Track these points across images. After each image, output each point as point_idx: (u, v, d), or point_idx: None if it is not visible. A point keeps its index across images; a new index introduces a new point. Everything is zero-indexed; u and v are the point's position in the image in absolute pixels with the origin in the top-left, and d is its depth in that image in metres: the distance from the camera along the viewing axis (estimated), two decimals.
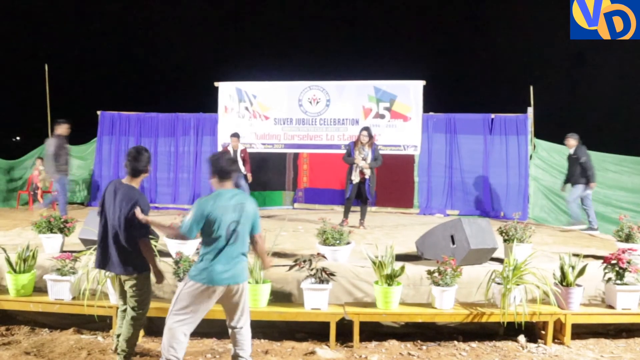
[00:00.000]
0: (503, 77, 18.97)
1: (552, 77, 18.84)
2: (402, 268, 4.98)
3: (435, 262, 5.10)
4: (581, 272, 5.01)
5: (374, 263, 5.00)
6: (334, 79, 10.71)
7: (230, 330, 3.88)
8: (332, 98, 10.53)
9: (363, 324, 4.91)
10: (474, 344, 4.98)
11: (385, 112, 10.37)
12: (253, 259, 4.96)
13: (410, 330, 5.18)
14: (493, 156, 10.31)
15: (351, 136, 9.93)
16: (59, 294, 5.07)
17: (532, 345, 4.92)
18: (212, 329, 4.90)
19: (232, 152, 9.26)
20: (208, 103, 11.37)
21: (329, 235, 5.58)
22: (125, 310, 4.20)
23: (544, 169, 10.09)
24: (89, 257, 4.96)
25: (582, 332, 5.15)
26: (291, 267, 5.00)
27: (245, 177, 9.33)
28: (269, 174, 11.44)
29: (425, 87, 10.29)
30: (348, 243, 5.68)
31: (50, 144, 8.51)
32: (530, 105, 10.15)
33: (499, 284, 4.96)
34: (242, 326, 3.85)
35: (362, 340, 4.91)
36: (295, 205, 11.36)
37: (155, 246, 4.85)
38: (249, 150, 9.82)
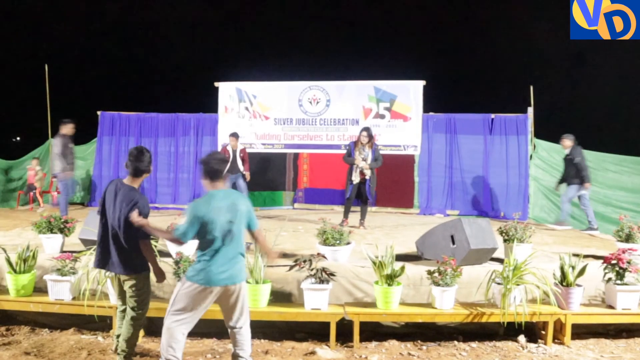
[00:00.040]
0: (503, 77, 18.98)
1: (552, 77, 18.84)
2: (402, 268, 4.98)
3: (436, 262, 5.10)
4: (581, 272, 5.01)
5: (374, 263, 5.00)
6: (334, 79, 10.71)
7: (229, 330, 3.89)
8: (332, 98, 10.53)
9: (363, 324, 4.91)
10: (474, 344, 4.98)
11: (386, 112, 10.36)
12: (253, 259, 4.98)
13: (411, 331, 5.18)
14: (493, 156, 10.30)
15: (351, 136, 9.93)
16: (59, 294, 5.07)
17: (532, 346, 4.92)
18: (212, 329, 4.91)
19: (231, 152, 9.25)
20: (208, 103, 11.38)
21: (329, 235, 5.59)
22: (124, 311, 4.20)
23: (544, 169, 10.09)
24: (89, 258, 4.96)
25: (582, 332, 5.15)
26: (291, 267, 5.00)
27: (244, 176, 9.33)
28: (269, 174, 11.43)
29: (425, 87, 10.29)
30: (348, 243, 5.68)
31: (56, 144, 8.55)
32: (530, 105, 10.15)
33: (499, 284, 4.96)
34: (242, 326, 3.86)
35: (362, 340, 4.91)
36: (296, 205, 11.36)
37: (155, 246, 4.85)
38: (248, 151, 9.82)
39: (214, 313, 4.13)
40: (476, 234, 5.48)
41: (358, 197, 8.01)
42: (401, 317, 5.01)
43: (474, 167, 10.39)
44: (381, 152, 8.26)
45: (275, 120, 10.70)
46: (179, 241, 3.71)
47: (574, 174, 8.47)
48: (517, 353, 4.78)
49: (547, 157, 10.06)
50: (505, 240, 5.80)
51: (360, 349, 4.82)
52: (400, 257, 5.59)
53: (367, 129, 7.93)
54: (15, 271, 5.14)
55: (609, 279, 5.10)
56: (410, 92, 10.32)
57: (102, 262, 4.05)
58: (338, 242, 5.58)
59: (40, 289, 5.27)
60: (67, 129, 8.67)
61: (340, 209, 9.86)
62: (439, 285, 4.88)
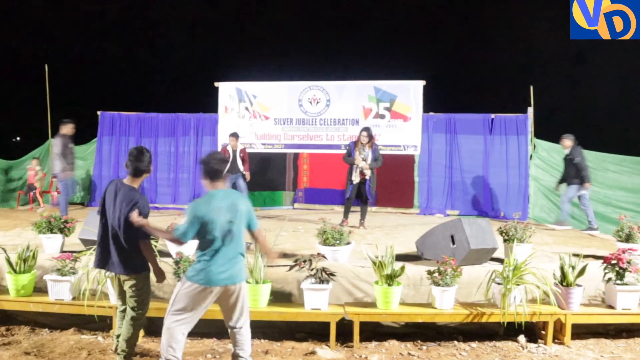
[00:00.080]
0: (503, 77, 18.98)
1: (552, 77, 18.84)
2: (402, 268, 4.99)
3: (436, 262, 5.10)
4: (581, 272, 5.01)
5: (374, 263, 5.00)
6: (334, 79, 10.71)
7: (229, 331, 3.89)
8: (332, 98, 10.53)
9: (363, 324, 4.91)
10: (474, 344, 4.98)
11: (386, 112, 10.36)
12: (253, 259, 4.98)
13: (411, 331, 5.18)
14: (493, 156, 10.30)
15: (351, 136, 9.93)
16: (59, 294, 5.07)
17: (532, 346, 4.92)
18: (212, 329, 4.91)
19: (230, 151, 9.25)
20: (208, 103, 11.38)
21: (329, 235, 5.59)
22: (124, 311, 4.20)
23: (544, 169, 10.09)
24: (89, 258, 4.96)
25: (582, 332, 5.15)
26: (291, 267, 5.00)
27: (244, 176, 9.33)
28: (269, 174, 11.43)
29: (425, 87, 10.29)
30: (348, 243, 5.68)
31: (56, 144, 8.56)
32: (530, 105, 10.15)
33: (499, 284, 4.96)
34: (242, 326, 3.86)
35: (362, 340, 4.91)
36: (296, 205, 11.36)
37: (155, 246, 4.85)
38: (248, 151, 9.82)
39: (214, 313, 4.13)
40: (476, 234, 5.48)
41: (358, 197, 8.01)
42: (401, 317, 5.01)
43: (474, 167, 10.39)
44: (381, 152, 8.26)
45: (275, 120, 10.70)
46: (179, 241, 3.71)
47: (574, 174, 8.47)
48: (517, 353, 4.78)
49: (547, 157, 10.07)
50: (505, 240, 5.80)
51: (360, 349, 4.82)
52: (400, 257, 5.59)
53: (367, 129, 7.93)
54: (15, 271, 5.14)
55: (609, 279, 5.10)
56: (410, 92, 10.32)
57: (102, 262, 4.05)
58: (338, 242, 5.58)
59: (40, 289, 5.27)
60: (67, 129, 8.68)
61: (340, 209, 9.86)
62: (439, 285, 4.88)
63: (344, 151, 8.74)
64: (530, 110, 10.16)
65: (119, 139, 11.34)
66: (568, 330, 4.91)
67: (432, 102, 10.63)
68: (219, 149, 10.27)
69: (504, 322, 4.85)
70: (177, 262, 5.00)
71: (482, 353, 4.79)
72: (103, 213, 4.03)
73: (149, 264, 4.06)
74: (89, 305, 4.88)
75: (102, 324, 5.13)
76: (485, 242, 5.52)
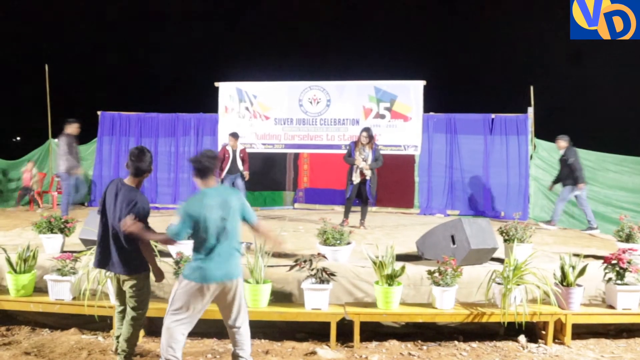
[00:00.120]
0: (503, 77, 19.00)
1: (552, 77, 18.84)
2: (403, 268, 4.98)
3: (436, 262, 5.10)
4: (581, 272, 5.01)
5: (375, 263, 5.00)
6: (334, 79, 10.71)
7: (229, 330, 3.88)
8: (333, 98, 10.53)
9: (363, 324, 4.91)
10: (474, 344, 4.98)
11: (386, 112, 10.36)
12: (254, 258, 4.97)
13: (411, 331, 5.18)
14: (493, 156, 10.31)
15: (351, 136, 9.93)
16: (60, 294, 5.07)
17: (532, 346, 4.92)
18: (212, 329, 4.90)
19: (230, 151, 9.25)
20: (208, 103, 11.37)
21: (329, 235, 5.59)
22: (122, 312, 4.20)
23: (544, 169, 10.09)
24: (90, 258, 4.96)
25: (583, 332, 5.15)
26: (292, 267, 5.00)
27: (243, 176, 9.32)
28: (269, 175, 11.43)
29: (425, 87, 10.29)
30: (348, 243, 5.68)
31: (61, 143, 8.58)
32: (530, 105, 10.15)
33: (499, 284, 4.96)
34: (240, 325, 3.85)
35: (362, 340, 4.91)
36: (296, 205, 11.35)
37: (155, 246, 4.85)
38: (249, 151, 9.81)
39: (214, 313, 4.13)
40: (476, 234, 5.48)
41: (358, 197, 8.01)
42: (401, 317, 5.01)
43: (474, 167, 10.39)
44: (381, 152, 8.25)
45: (276, 120, 10.70)
46: (171, 241, 3.72)
47: (568, 174, 8.50)
48: (517, 353, 4.78)
49: (548, 157, 10.07)
50: (505, 240, 5.80)
51: (360, 349, 4.82)
52: (401, 257, 5.59)
53: (367, 130, 7.93)
54: (15, 271, 5.14)
55: (609, 279, 5.10)
56: (410, 92, 10.32)
57: (102, 262, 4.05)
58: (338, 242, 5.58)
59: (40, 289, 5.27)
60: (72, 128, 8.72)
61: (340, 209, 9.86)
62: (439, 285, 4.88)
63: (344, 151, 8.74)
64: (531, 110, 10.16)
65: (119, 139, 11.34)
66: (568, 330, 4.91)
67: (433, 102, 10.63)
68: (219, 149, 10.27)
69: (504, 322, 4.85)
70: (177, 262, 5.00)
71: (483, 353, 4.79)
72: (103, 213, 4.02)
73: (149, 264, 4.06)
74: (89, 305, 4.88)
75: (102, 324, 5.13)
76: (485, 242, 5.52)
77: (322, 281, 4.90)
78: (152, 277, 4.14)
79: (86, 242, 5.68)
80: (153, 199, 10.86)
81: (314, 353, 4.68)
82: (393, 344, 4.95)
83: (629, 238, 6.16)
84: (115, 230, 3.91)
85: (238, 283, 3.76)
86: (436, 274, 4.90)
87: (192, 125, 11.22)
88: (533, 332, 5.11)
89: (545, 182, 10.04)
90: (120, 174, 10.70)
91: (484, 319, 4.88)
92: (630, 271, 4.99)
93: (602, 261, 5.23)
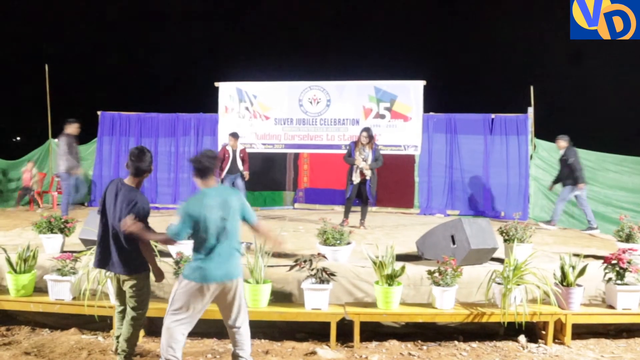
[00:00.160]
0: (503, 77, 19.00)
1: (552, 77, 18.85)
2: (403, 268, 4.98)
3: (436, 262, 5.10)
4: (581, 272, 5.01)
5: (375, 263, 5.00)
6: (334, 79, 10.70)
7: (229, 330, 3.88)
8: (333, 98, 10.53)
9: (363, 324, 4.91)
10: (474, 344, 4.98)
11: (386, 112, 10.36)
12: (254, 259, 4.97)
13: (411, 331, 5.18)
14: (493, 156, 10.31)
15: (351, 136, 9.93)
16: (60, 294, 5.07)
17: (532, 346, 4.92)
18: (213, 329, 4.90)
19: (230, 151, 9.25)
20: (208, 103, 11.37)
21: (329, 235, 5.58)
22: (121, 312, 4.20)
23: (544, 169, 10.09)
24: (90, 258, 4.96)
25: (583, 332, 5.15)
26: (292, 267, 5.00)
27: (243, 176, 9.32)
28: (269, 175, 11.43)
29: (425, 87, 10.29)
30: (348, 243, 5.68)
31: (61, 143, 8.59)
32: (530, 105, 10.15)
33: (499, 284, 4.96)
34: (240, 325, 3.85)
35: (362, 340, 4.91)
36: (296, 205, 11.35)
37: (155, 246, 4.85)
38: (249, 151, 9.81)
39: (214, 313, 4.13)
40: (476, 234, 5.48)
41: (358, 197, 8.01)
42: (401, 317, 5.01)
43: (475, 167, 10.40)
44: (381, 152, 8.25)
45: (276, 120, 10.70)
46: (171, 241, 3.72)
47: (568, 174, 8.51)
48: (517, 353, 4.78)
49: (548, 157, 10.07)
50: (505, 240, 5.80)
51: (360, 349, 4.82)
52: (401, 257, 5.59)
53: (367, 130, 7.93)
54: (15, 271, 5.14)
55: (609, 279, 5.10)
56: (410, 92, 10.32)
57: (102, 262, 4.05)
58: (338, 242, 5.58)
59: (40, 289, 5.27)
60: (72, 128, 8.74)
61: (340, 209, 9.86)
62: (439, 285, 4.88)
63: (344, 151, 8.74)
64: (531, 110, 10.17)
65: (119, 139, 11.34)
66: (568, 330, 4.91)
67: (433, 102, 10.64)
68: (219, 149, 10.27)
69: (504, 322, 4.85)
70: (177, 262, 5.00)
71: (483, 353, 4.79)
72: (103, 213, 4.02)
73: (149, 264, 4.06)
74: (89, 305, 4.88)
75: (102, 324, 5.13)
76: (485, 242, 5.52)
77: (322, 281, 4.90)
78: (152, 277, 4.14)
79: (86, 242, 5.68)
80: (153, 199, 10.86)
81: (314, 353, 4.68)
82: (393, 344, 4.95)
83: (629, 238, 6.16)
84: (116, 230, 3.90)
85: (238, 283, 3.76)
86: (436, 274, 4.90)
87: (192, 125, 11.22)
88: (533, 332, 5.11)
89: (545, 182, 10.04)
90: (120, 174, 10.70)
91: (484, 319, 4.88)
92: (630, 271, 4.99)
93: (602, 261, 5.23)
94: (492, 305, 5.01)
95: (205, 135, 11.13)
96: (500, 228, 5.91)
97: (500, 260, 5.61)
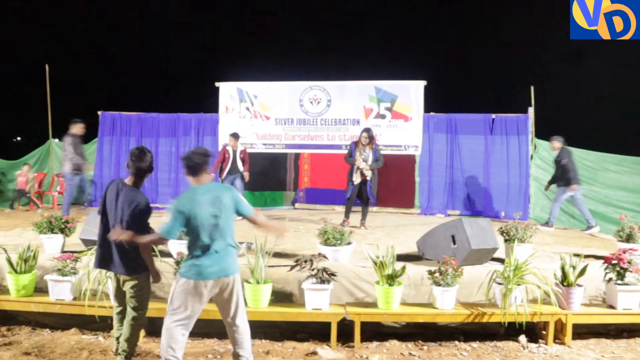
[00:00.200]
0: (504, 78, 19.01)
1: (552, 77, 18.86)
2: (403, 268, 4.98)
3: (436, 262, 5.10)
4: (582, 272, 5.01)
5: (375, 263, 5.00)
6: (334, 79, 10.70)
7: (228, 329, 3.87)
8: (333, 98, 10.53)
9: (364, 324, 4.91)
10: (475, 344, 4.98)
11: (386, 112, 10.36)
12: (254, 259, 4.97)
13: (411, 331, 5.18)
14: (494, 156, 10.30)
15: (352, 136, 9.93)
16: (60, 294, 5.07)
17: (533, 346, 4.92)
18: (213, 329, 4.90)
19: (231, 152, 9.24)
20: (209, 103, 11.37)
21: (330, 235, 5.58)
22: (120, 312, 4.20)
23: (544, 169, 10.09)
24: (90, 258, 4.96)
25: (583, 332, 5.15)
26: (292, 267, 5.00)
27: (243, 177, 9.31)
28: (270, 175, 11.43)
29: (426, 88, 10.28)
30: (349, 243, 5.68)
31: (66, 143, 8.62)
32: (531, 106, 10.14)
33: (499, 284, 4.96)
34: (239, 323, 3.83)
35: (363, 340, 4.91)
36: (296, 205, 11.35)
37: (155, 246, 4.85)
38: (249, 151, 9.81)
39: (215, 313, 4.12)
40: (477, 234, 5.48)
41: (359, 197, 8.01)
42: (402, 317, 5.01)
43: (475, 167, 10.39)
44: (382, 152, 8.25)
45: (276, 120, 10.70)
46: (163, 240, 3.71)
47: (561, 175, 8.53)
48: (518, 353, 4.78)
49: (548, 157, 10.06)
50: (506, 241, 5.80)
51: (361, 349, 4.82)
52: (401, 257, 5.58)
53: (367, 130, 7.93)
54: (16, 271, 5.14)
55: (610, 279, 5.10)
56: (411, 92, 10.31)
57: (103, 262, 4.05)
58: (339, 242, 5.57)
59: (41, 289, 5.27)
60: (77, 128, 8.78)
61: (341, 209, 9.86)
62: (439, 285, 4.88)
63: (345, 151, 8.74)
64: (531, 110, 10.16)
65: (119, 139, 11.34)
66: (569, 330, 4.91)
67: (433, 102, 10.63)
68: (220, 149, 10.27)
69: (504, 322, 4.85)
70: (177, 262, 5.00)
71: (483, 353, 4.79)
72: (104, 213, 4.02)
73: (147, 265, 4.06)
74: (90, 305, 4.88)
75: (103, 324, 5.13)
76: (486, 242, 5.52)
77: (322, 281, 4.90)
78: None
79: (87, 242, 5.68)
80: (153, 199, 10.86)
81: (314, 353, 4.68)
82: (394, 344, 4.95)
83: (629, 238, 6.16)
84: None
85: (235, 279, 3.75)
86: (437, 274, 4.90)
87: (193, 126, 11.22)
88: (533, 332, 5.12)
89: (545, 182, 10.05)
90: (121, 174, 10.70)
91: (485, 319, 4.88)
92: (631, 271, 4.99)
93: (602, 261, 5.23)
94: (492, 306, 5.01)
95: (206, 136, 11.13)
96: (501, 228, 5.92)
97: (501, 261, 5.61)
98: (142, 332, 4.78)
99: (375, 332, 5.12)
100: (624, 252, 5.10)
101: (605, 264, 5.13)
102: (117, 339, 4.19)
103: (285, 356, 4.65)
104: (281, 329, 5.11)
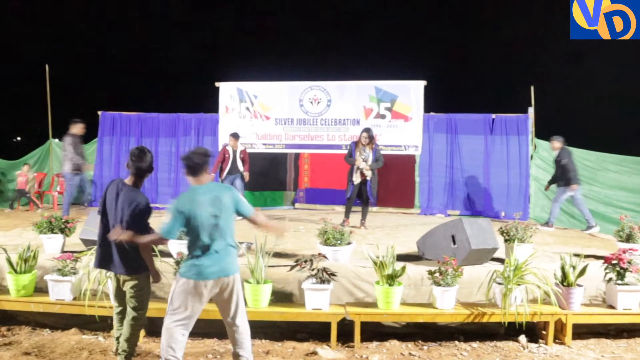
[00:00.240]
0: (504, 78, 19.01)
1: (552, 77, 18.87)
2: (403, 268, 4.98)
3: (436, 262, 5.10)
4: (582, 272, 5.01)
5: (375, 263, 5.00)
6: (334, 79, 10.70)
7: (228, 329, 3.87)
8: (333, 98, 10.53)
9: (364, 324, 4.91)
10: (475, 344, 4.98)
11: (386, 112, 10.36)
12: (255, 259, 4.97)
13: (411, 331, 5.18)
14: (494, 156, 10.30)
15: (352, 136, 9.93)
16: (60, 294, 5.07)
17: (533, 346, 4.92)
18: (213, 329, 4.90)
19: (231, 152, 9.24)
20: (209, 103, 11.37)
21: (330, 235, 5.58)
22: (120, 312, 4.20)
23: (544, 169, 10.09)
24: (90, 258, 4.96)
25: (583, 332, 5.15)
26: (292, 267, 5.00)
27: (243, 177, 9.31)
28: (270, 175, 11.43)
29: (426, 87, 10.28)
30: (349, 243, 5.68)
31: (66, 143, 8.62)
32: (531, 105, 10.15)
33: (500, 284, 4.96)
34: (239, 323, 3.83)
35: (363, 340, 4.91)
36: (297, 205, 11.35)
37: (156, 246, 4.85)
38: (249, 151, 9.81)
39: (215, 313, 4.13)
40: (477, 234, 5.48)
41: (359, 197, 8.01)
42: (402, 317, 5.01)
43: (475, 167, 10.39)
44: (382, 152, 8.25)
45: (276, 120, 10.70)
46: (163, 240, 3.71)
47: (561, 175, 8.53)
48: (518, 353, 4.78)
49: (548, 157, 10.06)
50: (506, 241, 5.80)
51: (361, 349, 4.82)
52: (401, 257, 5.58)
53: (367, 130, 7.93)
54: (16, 271, 5.14)
55: (610, 279, 5.10)
56: (411, 92, 10.31)
57: (103, 262, 4.05)
58: (339, 242, 5.57)
59: (41, 289, 5.27)
60: (77, 128, 8.79)
61: (341, 209, 9.86)
62: (440, 285, 4.89)
63: (345, 151, 8.74)
64: (531, 110, 10.16)
65: (119, 139, 11.34)
66: (569, 330, 4.91)
67: (433, 102, 10.63)
68: (220, 149, 10.27)
69: (504, 322, 4.85)
70: (177, 262, 5.00)
71: (483, 353, 4.79)
72: (104, 213, 4.02)
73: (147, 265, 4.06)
74: (90, 305, 4.88)
75: (103, 324, 5.13)
76: (486, 242, 5.52)
77: (322, 281, 4.90)
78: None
79: (87, 242, 5.68)
80: (153, 199, 10.86)
81: (314, 353, 4.68)
82: (394, 344, 4.95)
83: (629, 238, 6.16)
84: None
85: (235, 279, 3.75)
86: (437, 274, 4.90)
87: (193, 126, 11.22)
88: (533, 332, 5.12)
89: (545, 183, 10.05)
90: (121, 174, 10.70)
91: (485, 319, 4.88)
92: (631, 271, 5.00)
93: (602, 261, 5.23)
94: (492, 305, 5.01)
95: (206, 136, 11.13)
96: (501, 228, 5.92)
97: (501, 261, 5.61)
98: (142, 332, 4.78)
99: (375, 332, 5.13)
100: (624, 252, 5.10)
101: (605, 264, 5.13)
102: (117, 339, 4.20)
103: (285, 356, 4.65)
104: (281, 329, 5.11)
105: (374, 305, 5.01)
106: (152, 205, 4.06)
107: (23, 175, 10.91)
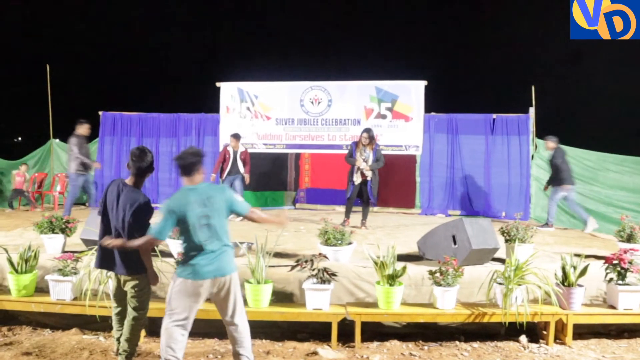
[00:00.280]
0: (505, 78, 19.02)
1: (553, 77, 18.88)
2: (404, 268, 4.98)
3: (437, 262, 5.10)
4: (583, 272, 5.01)
5: (376, 263, 5.00)
6: (335, 79, 10.71)
7: (227, 328, 3.87)
8: (334, 98, 10.53)
9: (365, 324, 4.91)
10: (475, 344, 4.98)
11: (387, 113, 10.36)
12: (255, 259, 4.97)
13: (412, 331, 5.18)
14: (495, 156, 10.30)
15: (353, 136, 9.93)
16: (61, 294, 5.07)
17: (533, 346, 4.92)
18: (213, 329, 4.91)
19: (231, 152, 9.24)
20: (210, 103, 11.39)
21: (330, 235, 5.58)
22: (119, 312, 4.20)
23: (545, 169, 10.07)
24: (91, 258, 4.96)
25: (584, 332, 5.15)
26: (293, 267, 5.00)
27: (243, 178, 9.30)
28: (270, 175, 11.44)
29: (426, 88, 10.28)
30: (350, 243, 5.68)
31: (71, 144, 8.62)
32: (532, 106, 10.15)
33: (500, 284, 4.96)
34: (238, 323, 3.83)
35: (363, 340, 4.91)
36: (297, 205, 11.35)
37: (156, 246, 4.85)
38: (250, 151, 9.81)
39: (215, 313, 4.12)
40: (478, 234, 5.48)
41: (359, 197, 8.01)
42: (403, 317, 5.00)
43: (476, 167, 10.39)
44: (383, 152, 8.25)
45: (277, 120, 10.70)
46: (156, 241, 3.72)
47: (554, 175, 8.54)
48: (518, 353, 4.78)
49: (549, 157, 10.07)
50: (506, 241, 5.79)
51: (361, 349, 4.82)
52: (402, 257, 5.58)
53: (367, 131, 7.93)
54: (16, 271, 5.14)
55: (611, 279, 5.10)
56: (411, 92, 10.31)
57: (104, 262, 4.05)
58: (339, 242, 5.57)
59: (41, 289, 5.27)
60: (83, 129, 8.80)
61: (341, 209, 9.87)
62: (440, 285, 4.88)
63: (345, 151, 8.74)
64: (532, 110, 10.16)
65: (120, 139, 11.34)
66: (569, 331, 4.91)
67: (434, 102, 10.64)
68: (221, 149, 10.28)
69: (505, 322, 4.85)
70: (178, 262, 4.99)
71: (484, 353, 4.79)
72: (104, 213, 4.02)
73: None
74: (91, 305, 4.88)
75: (103, 324, 5.12)
76: (486, 242, 5.52)
77: (323, 281, 4.90)
78: None
79: (87, 242, 5.68)
80: (154, 199, 10.86)
81: (315, 353, 4.69)
82: (394, 344, 4.95)
83: (630, 238, 6.15)
84: (118, 232, 3.90)
85: (232, 279, 3.74)
86: (437, 274, 4.90)
87: (194, 126, 11.22)
88: (534, 332, 5.11)
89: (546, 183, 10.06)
90: (122, 174, 10.70)
91: (485, 319, 4.88)
92: (632, 271, 4.99)
93: (603, 261, 5.23)
94: (493, 306, 5.01)
95: (207, 136, 11.13)
96: (502, 228, 5.91)
97: (502, 261, 5.61)
98: (143, 332, 4.78)
99: (376, 332, 5.13)
100: (625, 252, 5.10)
101: (606, 264, 5.13)
102: (118, 339, 4.20)
103: (285, 356, 4.65)
104: (282, 329, 5.11)
105: (374, 305, 5.01)
106: (152, 205, 4.06)
107: (20, 175, 10.92)
